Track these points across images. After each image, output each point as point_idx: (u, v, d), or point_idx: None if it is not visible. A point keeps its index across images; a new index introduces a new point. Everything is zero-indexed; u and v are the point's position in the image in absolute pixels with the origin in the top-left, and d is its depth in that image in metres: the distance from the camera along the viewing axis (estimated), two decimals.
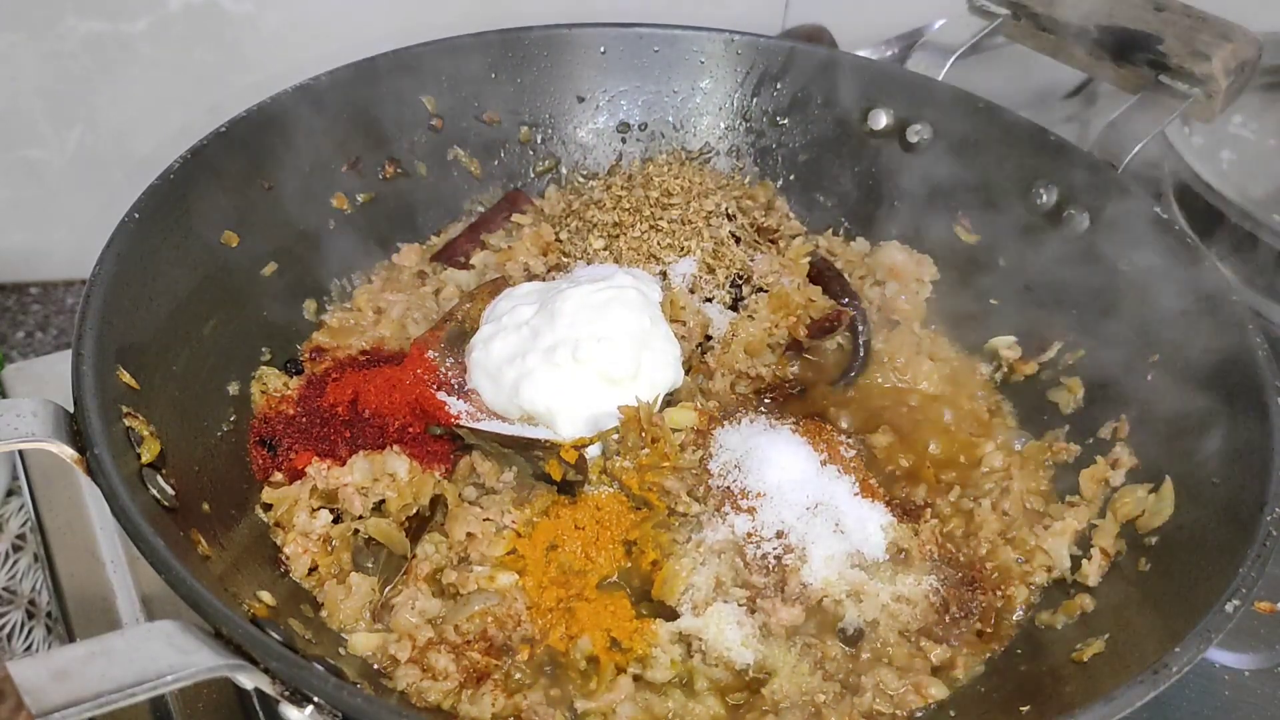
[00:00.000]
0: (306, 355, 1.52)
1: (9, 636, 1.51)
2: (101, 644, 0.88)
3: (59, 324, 2.02)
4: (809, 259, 1.64)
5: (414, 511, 1.30)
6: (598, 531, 1.30)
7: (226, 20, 1.83)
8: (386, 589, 1.24)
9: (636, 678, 1.19)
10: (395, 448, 1.34)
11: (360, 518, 1.29)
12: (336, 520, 1.29)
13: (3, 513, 1.60)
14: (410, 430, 1.37)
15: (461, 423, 1.37)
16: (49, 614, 1.51)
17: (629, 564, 1.28)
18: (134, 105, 1.87)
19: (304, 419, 1.39)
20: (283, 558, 1.26)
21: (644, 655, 1.20)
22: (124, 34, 1.80)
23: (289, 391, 1.43)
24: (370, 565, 1.25)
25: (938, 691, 1.20)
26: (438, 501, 1.31)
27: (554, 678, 1.18)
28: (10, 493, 1.62)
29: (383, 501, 1.30)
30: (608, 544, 1.29)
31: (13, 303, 2.04)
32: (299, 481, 1.32)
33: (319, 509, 1.29)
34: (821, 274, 1.63)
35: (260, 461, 1.35)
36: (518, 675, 1.18)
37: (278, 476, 1.34)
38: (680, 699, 1.18)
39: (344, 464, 1.32)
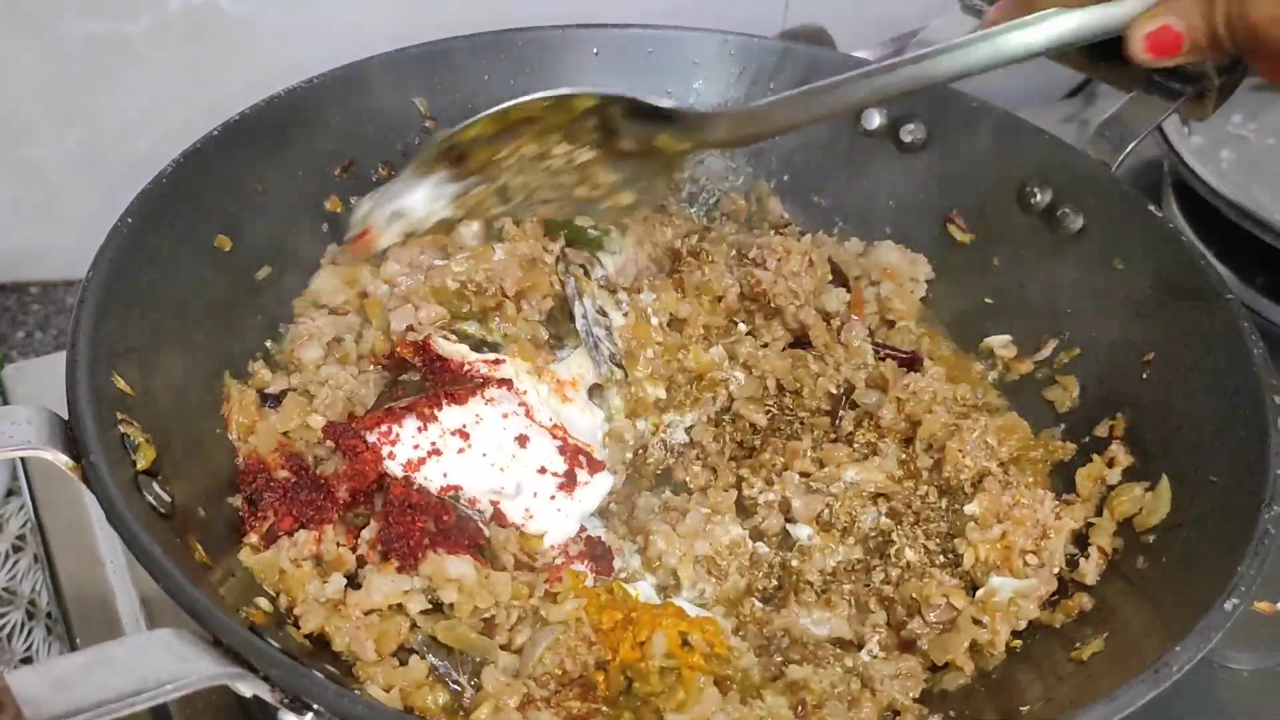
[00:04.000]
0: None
1: (9, 637, 1.51)
2: (101, 653, 0.88)
3: (59, 324, 2.02)
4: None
5: (490, 615, 1.17)
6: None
7: (226, 20, 1.83)
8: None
9: (724, 679, 1.15)
10: (440, 550, 1.18)
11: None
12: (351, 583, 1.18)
13: (3, 513, 1.60)
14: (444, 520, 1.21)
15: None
16: (49, 615, 1.51)
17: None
18: (134, 105, 1.87)
19: (293, 481, 1.26)
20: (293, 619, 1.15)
21: (723, 654, 1.17)
22: (124, 34, 1.80)
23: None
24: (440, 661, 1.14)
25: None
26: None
27: (638, 698, 1.11)
28: (10, 493, 1.62)
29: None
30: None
31: (13, 303, 2.04)
32: (276, 547, 1.19)
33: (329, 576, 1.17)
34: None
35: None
36: (606, 709, 1.11)
37: (254, 538, 1.21)
38: (764, 707, 1.12)
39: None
